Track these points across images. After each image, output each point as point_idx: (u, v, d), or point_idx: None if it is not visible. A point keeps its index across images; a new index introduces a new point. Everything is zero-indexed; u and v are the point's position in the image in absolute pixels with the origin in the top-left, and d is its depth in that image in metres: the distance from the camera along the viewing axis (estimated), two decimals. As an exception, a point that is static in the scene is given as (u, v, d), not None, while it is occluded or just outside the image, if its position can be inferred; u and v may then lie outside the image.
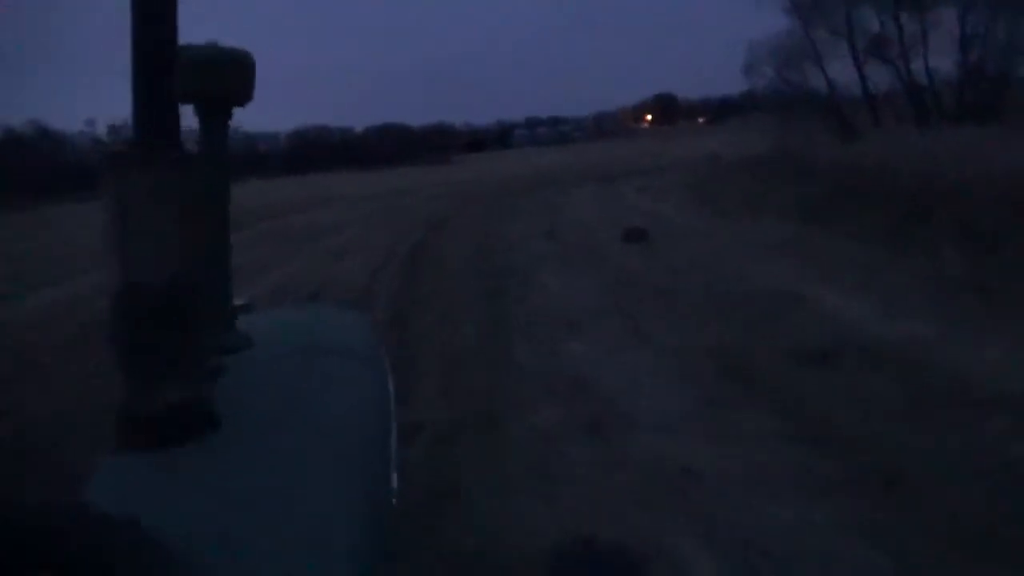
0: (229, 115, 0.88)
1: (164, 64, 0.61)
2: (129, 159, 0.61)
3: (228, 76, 0.85)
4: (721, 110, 69.95)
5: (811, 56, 17.50)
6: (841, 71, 17.23)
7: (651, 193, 12.81)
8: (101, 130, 50.43)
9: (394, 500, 0.75)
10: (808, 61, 17.77)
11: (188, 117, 0.73)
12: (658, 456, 2.56)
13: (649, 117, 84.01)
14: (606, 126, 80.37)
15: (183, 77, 0.65)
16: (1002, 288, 3.99)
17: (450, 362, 3.97)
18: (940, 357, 3.22)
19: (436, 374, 3.78)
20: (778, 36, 18.17)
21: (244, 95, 0.87)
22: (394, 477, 0.77)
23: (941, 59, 16.32)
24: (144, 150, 0.61)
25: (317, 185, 27.34)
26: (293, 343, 0.95)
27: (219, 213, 0.85)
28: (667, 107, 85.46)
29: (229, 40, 0.84)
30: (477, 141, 72.79)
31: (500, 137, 79.06)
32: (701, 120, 73.91)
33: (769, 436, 2.62)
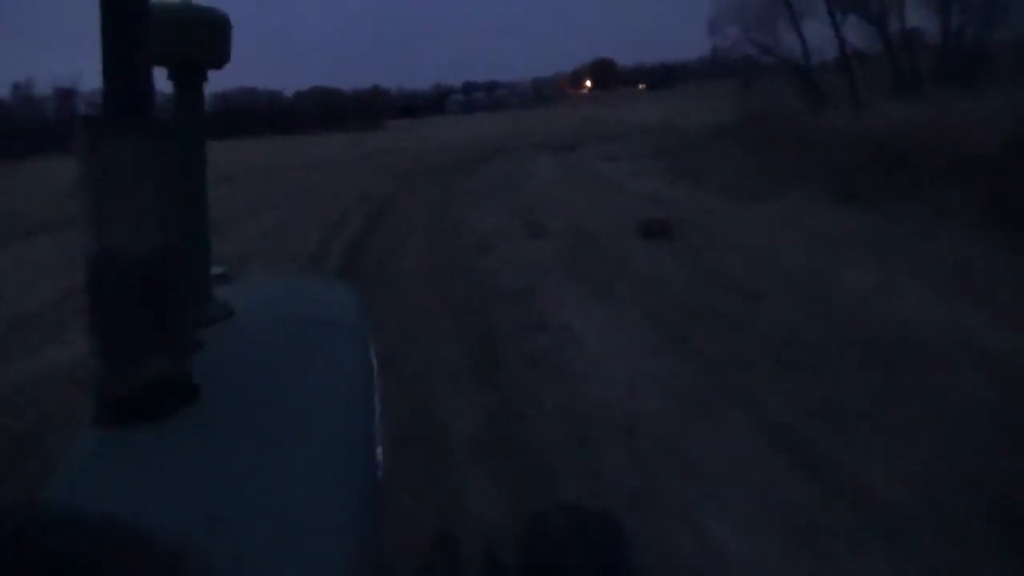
0: (204, 79, 0.84)
1: (136, 26, 0.59)
2: (106, 125, 0.59)
3: (204, 38, 0.80)
4: (660, 76, 69.35)
5: (784, 15, 16.03)
6: (812, 33, 15.95)
7: (624, 165, 11.04)
8: (3, 90, 46.34)
9: (379, 475, 0.70)
10: (779, 21, 16.36)
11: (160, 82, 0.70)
12: None
13: (588, 83, 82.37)
14: (545, 91, 78.60)
15: (156, 39, 0.63)
16: None
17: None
18: None
19: None
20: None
21: (220, 57, 0.83)
22: (379, 452, 0.72)
23: (919, 22, 15.23)
24: (121, 116, 0.59)
25: (230, 153, 23.39)
26: (274, 314, 0.93)
27: (196, 180, 0.84)
28: (606, 72, 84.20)
29: None
30: (411, 106, 69.78)
31: (436, 102, 76.21)
32: (641, 86, 72.82)
33: None
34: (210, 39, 0.80)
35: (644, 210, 6.47)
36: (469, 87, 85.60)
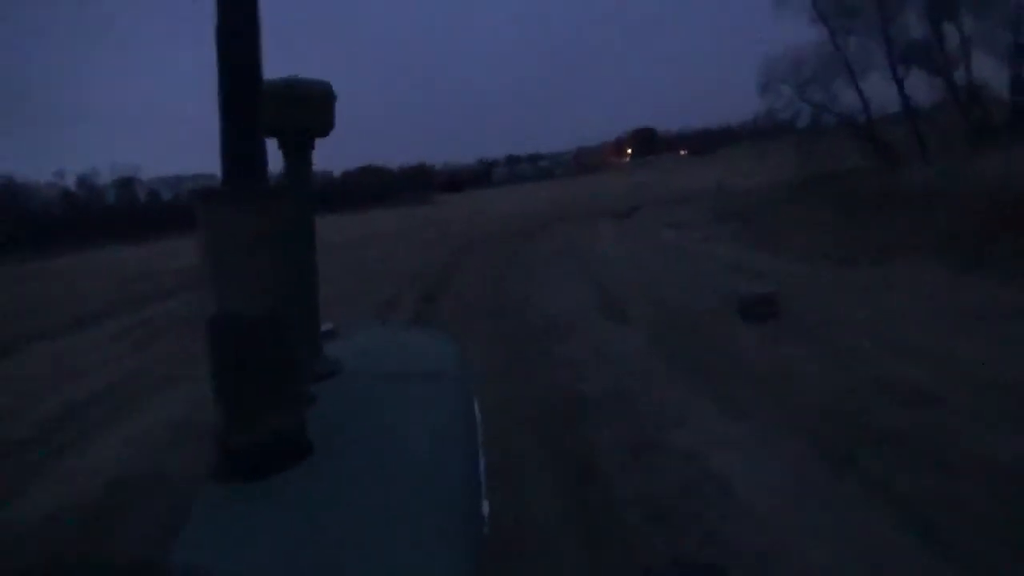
0: (312, 147, 0.88)
1: (250, 104, 0.62)
2: (222, 197, 0.61)
3: (309, 109, 0.84)
4: (702, 141, 69.44)
5: (841, 70, 15.56)
6: (872, 87, 15.40)
7: (690, 231, 10.50)
8: (70, 181, 49.32)
9: (485, 529, 0.71)
10: (835, 77, 15.89)
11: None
12: None
13: (630, 151, 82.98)
14: (588, 161, 79.41)
15: (267, 112, 0.66)
16: None
17: None
18: None
19: None
20: (799, 51, 16.29)
21: (325, 127, 0.87)
22: (485, 505, 0.73)
23: (986, 73, 14.58)
24: (236, 188, 0.61)
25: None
26: (381, 368, 0.95)
27: (306, 243, 0.86)
28: (648, 140, 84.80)
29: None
30: (456, 180, 71.07)
31: (482, 175, 77.69)
32: (683, 152, 72.86)
33: None
34: (315, 109, 0.83)
35: (731, 282, 5.87)
36: (512, 159, 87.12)
